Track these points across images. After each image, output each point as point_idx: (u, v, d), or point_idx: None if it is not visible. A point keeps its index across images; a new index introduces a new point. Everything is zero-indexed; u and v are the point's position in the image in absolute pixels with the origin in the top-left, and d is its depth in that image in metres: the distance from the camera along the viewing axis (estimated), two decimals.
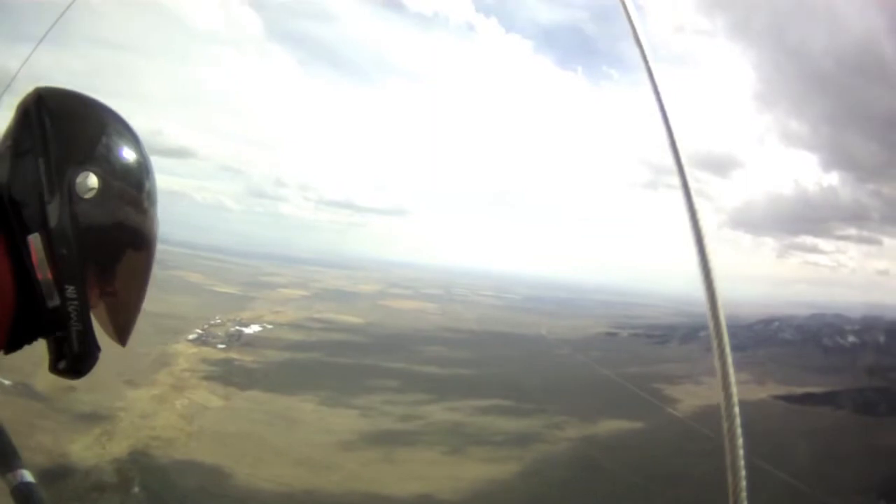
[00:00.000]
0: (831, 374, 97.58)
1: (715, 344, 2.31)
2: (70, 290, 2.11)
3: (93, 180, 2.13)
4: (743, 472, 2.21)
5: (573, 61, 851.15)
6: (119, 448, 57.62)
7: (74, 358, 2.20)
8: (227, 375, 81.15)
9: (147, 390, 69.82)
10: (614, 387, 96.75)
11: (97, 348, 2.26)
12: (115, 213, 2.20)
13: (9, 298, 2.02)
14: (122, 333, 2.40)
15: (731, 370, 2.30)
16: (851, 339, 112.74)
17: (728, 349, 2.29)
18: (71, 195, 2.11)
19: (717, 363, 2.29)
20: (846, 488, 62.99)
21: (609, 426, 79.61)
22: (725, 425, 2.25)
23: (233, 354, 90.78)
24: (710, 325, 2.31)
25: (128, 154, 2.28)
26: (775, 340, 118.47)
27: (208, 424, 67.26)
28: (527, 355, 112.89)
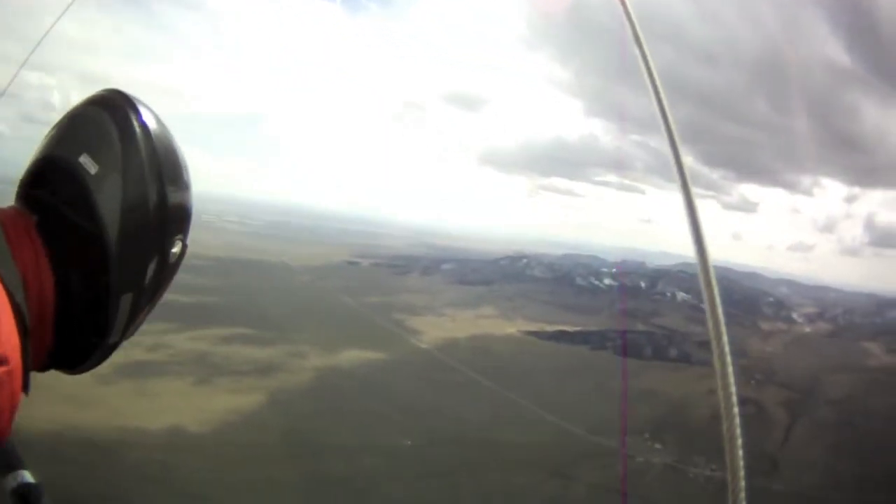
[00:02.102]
0: (586, 313, 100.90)
1: (714, 344, 2.33)
2: (129, 331, 2.16)
3: (178, 247, 2.17)
4: (742, 472, 2.25)
5: None
6: None
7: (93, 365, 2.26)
8: None
9: None
10: (357, 316, 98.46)
11: None
12: (177, 270, 2.24)
13: (48, 336, 2.00)
14: None
15: (730, 370, 2.32)
16: (608, 281, 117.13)
17: (727, 349, 2.31)
18: (164, 257, 2.13)
19: (716, 363, 2.30)
20: (616, 429, 64.88)
21: (353, 356, 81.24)
22: (725, 425, 2.28)
23: None
24: (710, 324, 2.33)
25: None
26: (524, 277, 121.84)
27: None
28: (270, 283, 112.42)
